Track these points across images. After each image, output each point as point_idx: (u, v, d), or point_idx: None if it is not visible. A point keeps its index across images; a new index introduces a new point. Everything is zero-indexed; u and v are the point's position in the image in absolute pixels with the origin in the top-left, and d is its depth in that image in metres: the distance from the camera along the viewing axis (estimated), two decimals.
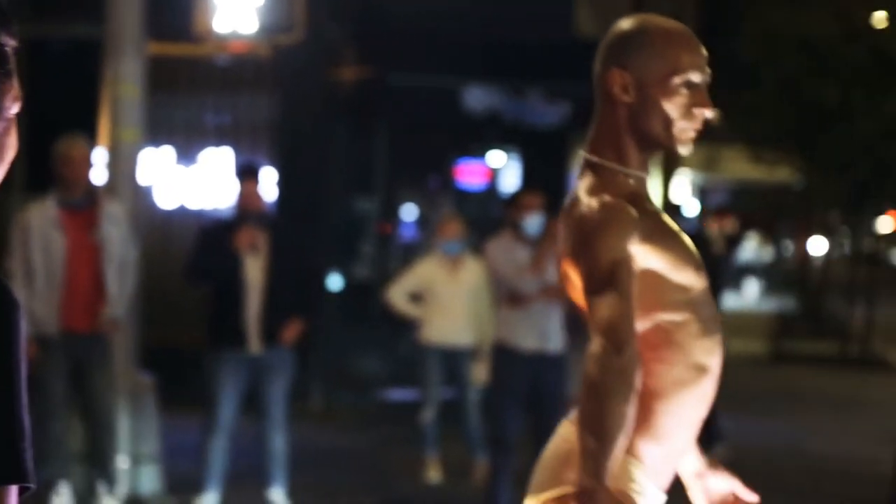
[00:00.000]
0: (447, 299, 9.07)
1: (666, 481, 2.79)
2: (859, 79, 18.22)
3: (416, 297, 9.31)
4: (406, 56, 12.16)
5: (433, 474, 9.16)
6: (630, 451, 2.70)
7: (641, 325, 2.70)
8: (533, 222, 7.83)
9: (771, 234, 44.19)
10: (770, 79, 19.01)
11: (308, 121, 11.66)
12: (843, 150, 18.36)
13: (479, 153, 13.59)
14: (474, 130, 12.87)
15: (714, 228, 22.94)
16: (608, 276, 2.63)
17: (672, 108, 2.73)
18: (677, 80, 2.72)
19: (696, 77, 2.75)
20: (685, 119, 2.75)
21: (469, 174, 14.04)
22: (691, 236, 9.81)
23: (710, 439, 10.31)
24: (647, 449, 2.72)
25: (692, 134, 2.78)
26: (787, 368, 17.59)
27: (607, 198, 2.68)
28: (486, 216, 13.48)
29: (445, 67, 12.03)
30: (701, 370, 2.72)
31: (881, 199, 21.91)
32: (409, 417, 11.04)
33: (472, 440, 9.19)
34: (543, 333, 7.85)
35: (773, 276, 38.15)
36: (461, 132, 13.40)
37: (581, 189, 2.75)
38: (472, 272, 9.13)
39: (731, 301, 25.48)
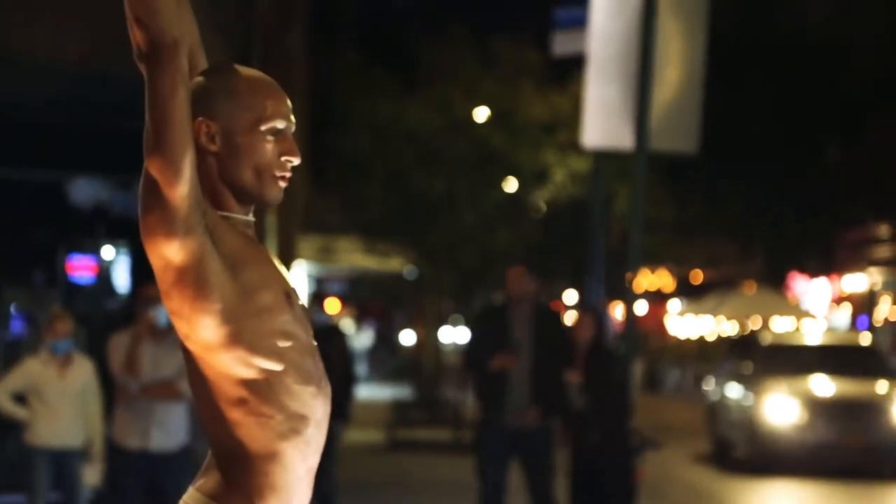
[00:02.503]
0: (54, 399, 8.78)
1: None
2: (462, 170, 18.95)
3: (22, 398, 8.98)
4: (7, 148, 11.77)
5: None
6: None
7: (238, 374, 2.64)
8: (160, 313, 7.77)
9: (382, 322, 44.95)
10: (380, 170, 19.48)
11: None
12: (450, 240, 18.97)
13: (89, 247, 13.26)
14: (82, 224, 12.57)
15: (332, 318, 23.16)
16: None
17: (260, 156, 2.71)
18: (263, 127, 2.71)
19: (281, 124, 2.74)
20: (274, 168, 2.73)
21: (79, 269, 13.67)
22: (325, 327, 9.86)
23: None
24: None
25: (282, 183, 2.77)
26: (403, 456, 17.84)
27: None
28: (98, 311, 13.14)
29: (49, 160, 11.72)
30: (302, 419, 2.69)
31: (488, 286, 22.73)
32: None
33: None
34: (146, 432, 7.78)
35: (380, 364, 38.85)
36: (68, 226, 13.05)
37: None
38: (80, 371, 8.90)
39: None
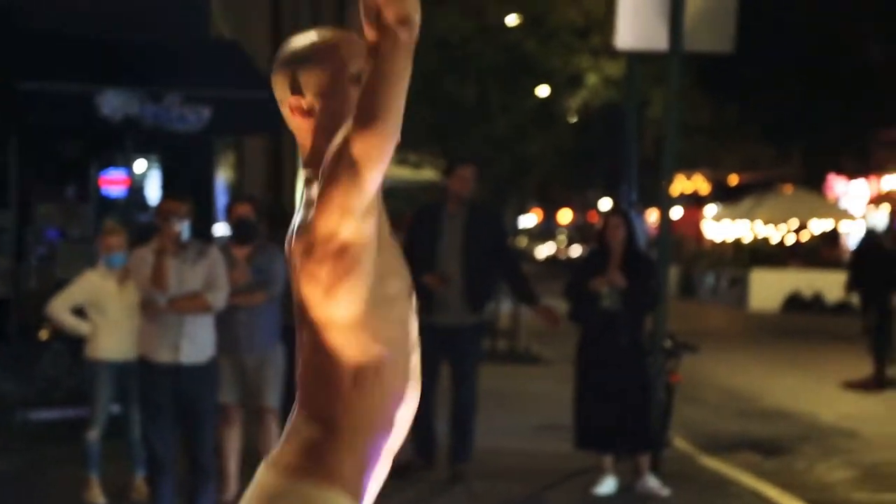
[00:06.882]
0: (115, 313, 8.74)
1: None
2: (495, 77, 18.76)
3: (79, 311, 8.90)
4: (36, 60, 11.69)
5: (96, 494, 8.81)
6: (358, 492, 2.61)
7: (353, 355, 2.61)
8: (184, 227, 7.75)
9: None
10: (411, 80, 19.33)
11: None
12: (483, 149, 18.85)
13: (120, 160, 13.21)
14: (113, 137, 12.50)
15: None
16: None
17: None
18: (351, 73, 2.71)
19: (363, 63, 2.69)
20: None
21: (110, 182, 13.64)
22: None
23: None
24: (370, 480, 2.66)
25: None
26: None
27: None
28: (130, 225, 13.14)
29: (79, 72, 11.63)
30: (399, 407, 2.69)
31: (522, 195, 22.63)
32: (53, 439, 10.65)
33: (134, 456, 8.93)
34: (177, 346, 7.76)
35: None
36: (99, 139, 12.99)
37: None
38: None
39: None
